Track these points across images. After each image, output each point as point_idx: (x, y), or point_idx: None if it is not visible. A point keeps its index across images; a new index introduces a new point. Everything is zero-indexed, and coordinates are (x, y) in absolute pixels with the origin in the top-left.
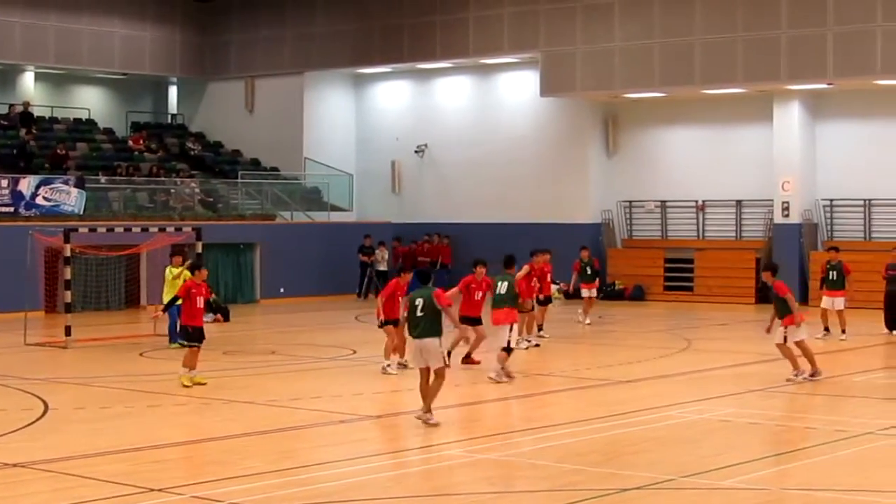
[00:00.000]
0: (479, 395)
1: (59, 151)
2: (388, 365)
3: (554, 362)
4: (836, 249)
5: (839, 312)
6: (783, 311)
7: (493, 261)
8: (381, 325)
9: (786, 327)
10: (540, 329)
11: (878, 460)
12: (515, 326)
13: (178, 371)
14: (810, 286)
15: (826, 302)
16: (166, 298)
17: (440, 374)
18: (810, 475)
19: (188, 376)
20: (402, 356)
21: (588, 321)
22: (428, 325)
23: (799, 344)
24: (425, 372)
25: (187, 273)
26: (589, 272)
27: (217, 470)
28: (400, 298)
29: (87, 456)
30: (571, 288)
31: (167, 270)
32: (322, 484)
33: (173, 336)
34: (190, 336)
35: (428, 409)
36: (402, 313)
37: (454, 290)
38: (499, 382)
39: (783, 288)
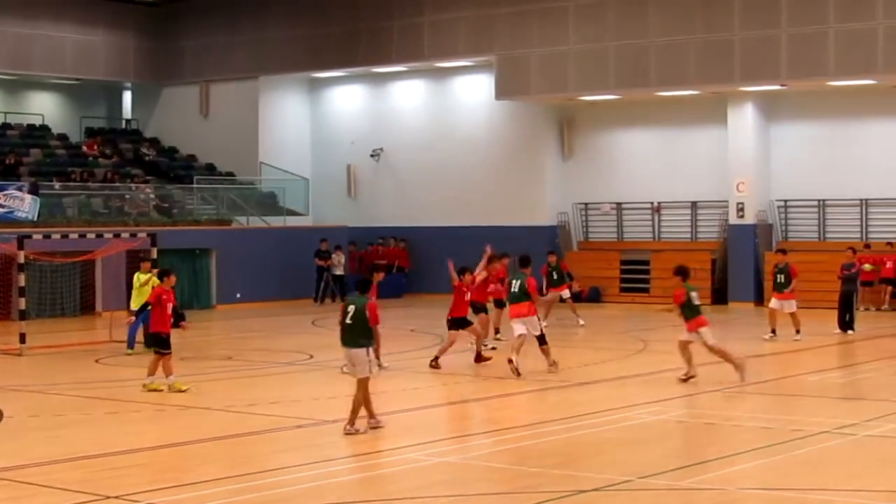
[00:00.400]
0: (437, 397)
1: (8, 162)
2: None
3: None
4: (784, 252)
5: (791, 314)
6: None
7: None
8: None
9: (696, 331)
10: (497, 332)
11: (833, 459)
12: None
13: (144, 380)
14: (765, 287)
15: (775, 303)
16: (135, 304)
17: (364, 386)
18: (767, 475)
19: (164, 383)
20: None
21: (546, 323)
22: (356, 334)
23: (685, 345)
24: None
25: (156, 279)
26: (555, 276)
27: (174, 476)
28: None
29: (43, 464)
30: (545, 291)
31: (136, 276)
32: (279, 489)
33: (132, 342)
34: (161, 342)
35: (353, 422)
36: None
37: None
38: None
39: (678, 297)
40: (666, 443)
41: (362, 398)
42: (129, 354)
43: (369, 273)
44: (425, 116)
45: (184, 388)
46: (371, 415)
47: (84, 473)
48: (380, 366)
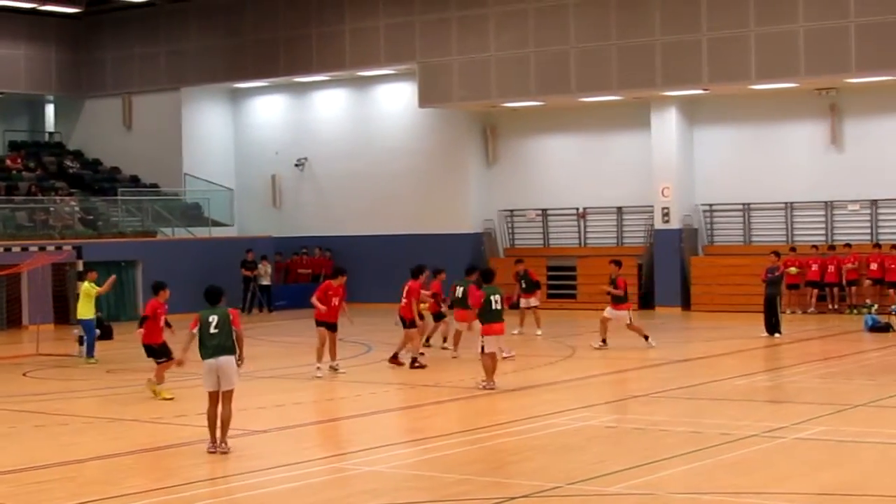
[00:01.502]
0: (362, 406)
1: None
2: (319, 367)
3: (438, 374)
4: (618, 264)
5: (629, 326)
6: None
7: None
8: (318, 325)
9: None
10: (429, 342)
11: (762, 462)
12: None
13: (152, 387)
14: (692, 291)
15: (609, 312)
16: (80, 312)
17: (230, 399)
18: (696, 479)
19: (160, 388)
20: (333, 359)
21: (518, 331)
22: (223, 343)
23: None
24: (216, 396)
25: (90, 286)
26: (524, 284)
27: (100, 489)
28: (334, 299)
29: None
30: (515, 298)
31: (85, 285)
32: (207, 500)
33: (91, 351)
34: (155, 353)
35: (223, 441)
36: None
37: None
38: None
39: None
40: (594, 448)
41: (230, 414)
42: (92, 363)
43: (334, 276)
44: (348, 125)
45: (169, 396)
46: (223, 439)
47: (10, 487)
48: (337, 370)
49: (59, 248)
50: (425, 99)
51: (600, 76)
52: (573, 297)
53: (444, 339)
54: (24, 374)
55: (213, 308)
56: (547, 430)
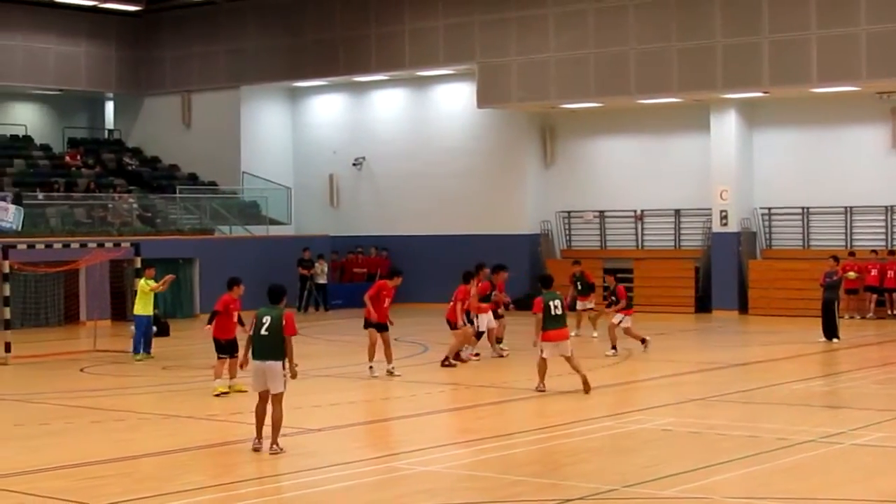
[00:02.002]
0: (417, 406)
1: None
2: (371, 367)
3: (494, 374)
4: (615, 274)
5: (626, 331)
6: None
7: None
8: (366, 327)
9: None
10: (499, 341)
11: (819, 468)
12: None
13: (209, 382)
14: (749, 295)
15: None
16: (137, 309)
17: (279, 401)
18: (752, 483)
19: (223, 385)
20: (389, 362)
21: (595, 334)
22: (271, 347)
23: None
24: (265, 395)
25: (146, 282)
26: (580, 287)
27: (156, 485)
28: (386, 300)
29: (26, 472)
30: (570, 300)
31: (141, 282)
32: (263, 498)
33: (137, 347)
34: (222, 348)
35: (270, 439)
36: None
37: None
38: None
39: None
40: (650, 451)
41: (280, 416)
42: (144, 357)
43: (390, 276)
44: (407, 125)
45: (245, 388)
46: (273, 438)
47: (67, 482)
48: (393, 374)
49: (117, 244)
50: (484, 99)
51: (660, 78)
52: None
53: (499, 340)
54: (80, 370)
55: (271, 308)
56: (602, 432)
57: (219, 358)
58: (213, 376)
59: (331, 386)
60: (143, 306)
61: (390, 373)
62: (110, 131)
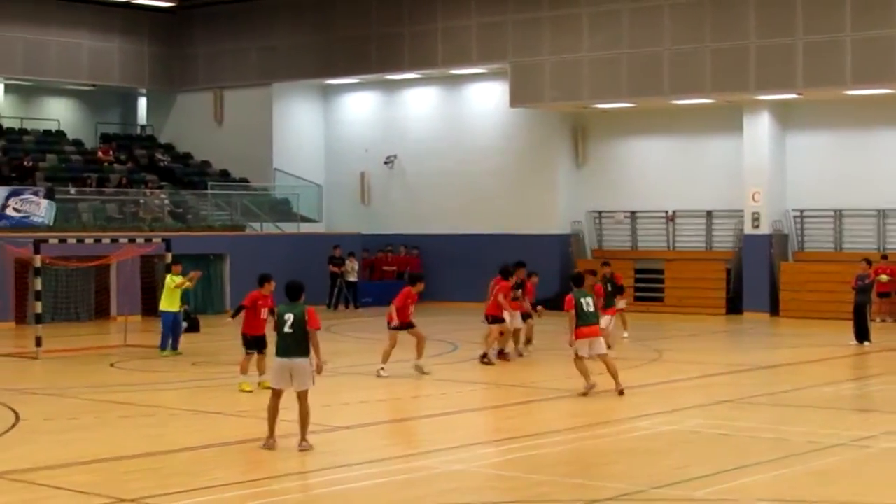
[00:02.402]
0: (447, 405)
1: (25, 164)
2: (382, 369)
3: (523, 373)
4: (594, 273)
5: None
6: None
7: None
8: (391, 328)
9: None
10: (529, 342)
11: (849, 471)
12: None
13: (237, 378)
14: (781, 297)
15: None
16: (163, 305)
17: (306, 397)
18: (781, 486)
19: (249, 383)
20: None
21: (625, 334)
22: (297, 344)
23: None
24: (279, 393)
25: (172, 279)
26: (609, 288)
27: (185, 481)
28: (412, 307)
29: (56, 466)
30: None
31: (168, 278)
32: (291, 495)
33: (164, 343)
34: (249, 343)
35: (304, 438)
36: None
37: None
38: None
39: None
40: (679, 453)
41: (307, 412)
42: (171, 354)
43: (412, 282)
44: (439, 124)
45: (248, 388)
46: (305, 433)
47: (97, 476)
48: (423, 371)
49: (148, 240)
50: (516, 99)
51: (693, 79)
52: (660, 300)
53: (529, 341)
54: (111, 365)
55: (292, 305)
56: (632, 433)
57: (246, 353)
58: (239, 371)
59: (360, 384)
60: (169, 302)
61: (419, 369)
62: (143, 127)
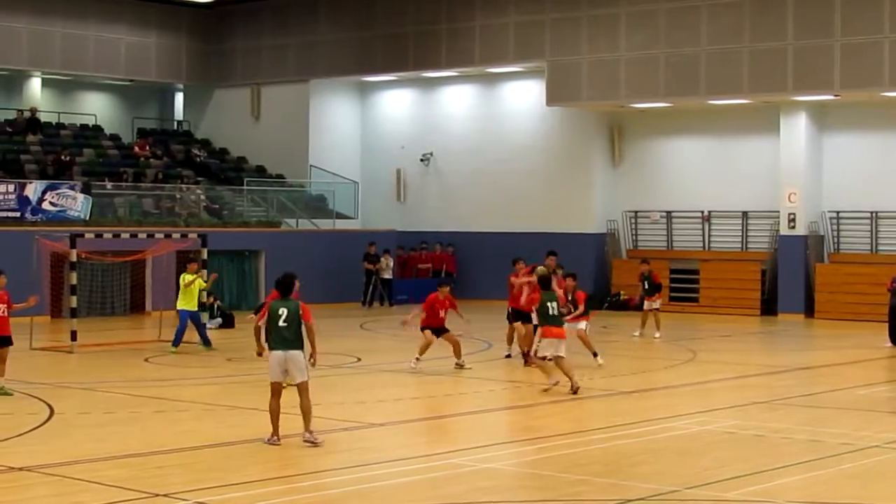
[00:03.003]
0: (480, 403)
1: (63, 158)
2: (417, 359)
3: (557, 372)
4: (575, 277)
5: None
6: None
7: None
8: (423, 329)
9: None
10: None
11: (882, 474)
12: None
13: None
14: (816, 299)
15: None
16: (180, 304)
17: (306, 389)
18: (815, 488)
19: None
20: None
21: (657, 335)
22: (292, 336)
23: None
24: (278, 388)
25: (201, 281)
26: (647, 286)
27: (218, 476)
28: (441, 312)
29: (91, 460)
30: (637, 299)
31: (182, 276)
32: (325, 491)
33: (177, 341)
34: None
35: (308, 431)
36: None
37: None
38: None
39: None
40: (712, 453)
41: (309, 403)
42: (173, 352)
43: (437, 288)
44: (475, 122)
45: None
46: (308, 426)
47: (131, 471)
48: (463, 367)
49: (183, 235)
50: (553, 98)
51: (731, 79)
52: (695, 300)
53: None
54: (145, 360)
55: (285, 300)
56: (665, 433)
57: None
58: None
59: (395, 381)
60: (185, 301)
61: (460, 366)
62: (179, 122)
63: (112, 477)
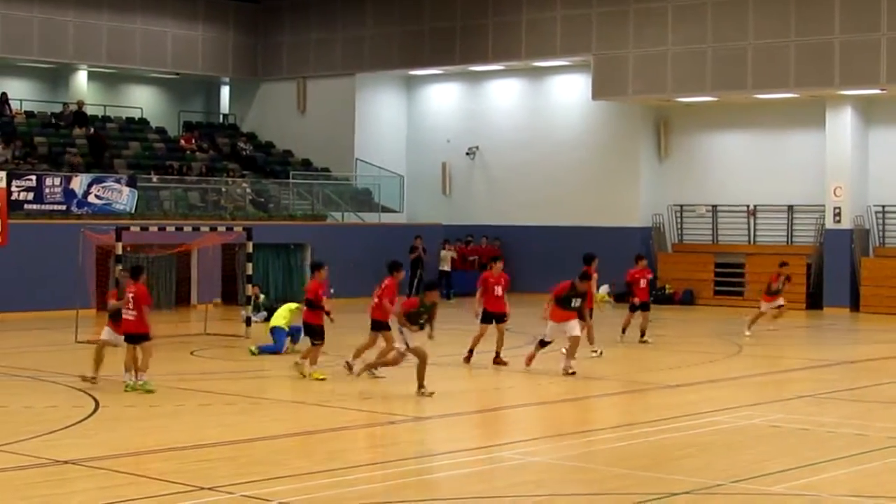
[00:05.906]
0: (527, 396)
1: (109, 152)
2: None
3: (603, 366)
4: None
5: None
6: None
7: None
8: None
9: None
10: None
11: None
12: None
13: (300, 369)
14: (861, 293)
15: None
16: (277, 321)
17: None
18: (861, 482)
19: (320, 370)
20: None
21: (772, 327)
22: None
23: None
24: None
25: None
26: (781, 286)
27: (265, 469)
28: (497, 288)
29: (136, 454)
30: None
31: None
32: (371, 485)
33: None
34: (314, 333)
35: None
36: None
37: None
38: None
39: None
40: (758, 447)
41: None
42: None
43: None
44: (521, 115)
45: (322, 376)
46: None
47: (176, 464)
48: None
49: (229, 229)
50: (599, 91)
51: (777, 73)
52: (740, 294)
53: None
54: (191, 353)
55: None
56: (711, 427)
57: (313, 344)
58: (309, 363)
59: (446, 374)
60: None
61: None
62: (225, 116)
63: (157, 470)
